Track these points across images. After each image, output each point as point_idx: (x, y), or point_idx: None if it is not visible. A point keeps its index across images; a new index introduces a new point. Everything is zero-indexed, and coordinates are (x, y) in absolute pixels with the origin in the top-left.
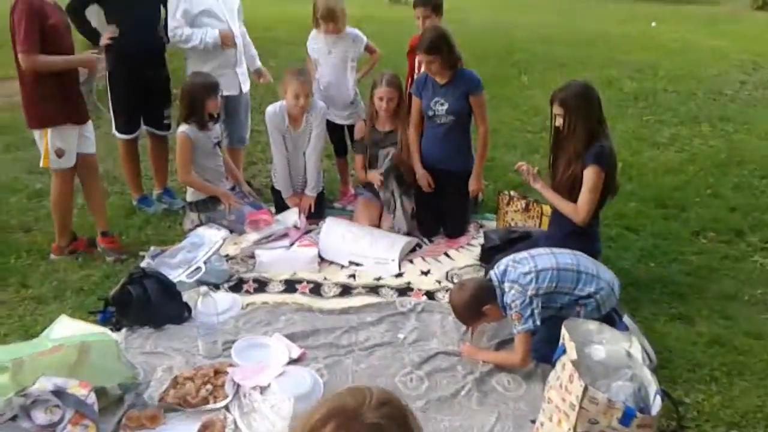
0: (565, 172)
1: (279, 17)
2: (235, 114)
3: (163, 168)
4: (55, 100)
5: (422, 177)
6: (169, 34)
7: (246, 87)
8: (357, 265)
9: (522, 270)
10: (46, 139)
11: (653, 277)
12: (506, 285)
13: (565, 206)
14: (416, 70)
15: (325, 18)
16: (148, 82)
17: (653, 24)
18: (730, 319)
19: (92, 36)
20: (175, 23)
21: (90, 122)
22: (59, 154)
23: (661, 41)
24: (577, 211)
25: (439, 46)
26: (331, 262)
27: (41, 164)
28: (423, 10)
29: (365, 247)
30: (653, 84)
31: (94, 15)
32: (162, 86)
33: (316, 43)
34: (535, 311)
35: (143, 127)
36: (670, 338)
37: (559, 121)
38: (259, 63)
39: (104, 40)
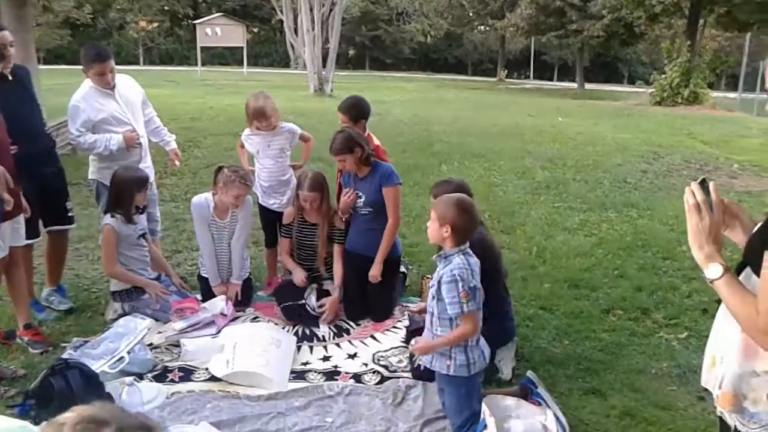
0: None
1: (205, 108)
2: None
3: (61, 264)
4: None
5: None
6: (72, 142)
7: (151, 179)
8: None
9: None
10: None
11: (568, 354)
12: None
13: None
14: None
15: (257, 117)
16: (43, 181)
17: (560, 119)
18: (640, 392)
19: None
20: (77, 132)
21: (22, 216)
22: None
23: (569, 134)
24: None
25: (349, 147)
26: None
27: None
28: (342, 116)
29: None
30: (563, 173)
31: None
32: (58, 182)
33: (254, 138)
34: (477, 292)
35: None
36: (585, 411)
37: None
38: (174, 144)
39: None
